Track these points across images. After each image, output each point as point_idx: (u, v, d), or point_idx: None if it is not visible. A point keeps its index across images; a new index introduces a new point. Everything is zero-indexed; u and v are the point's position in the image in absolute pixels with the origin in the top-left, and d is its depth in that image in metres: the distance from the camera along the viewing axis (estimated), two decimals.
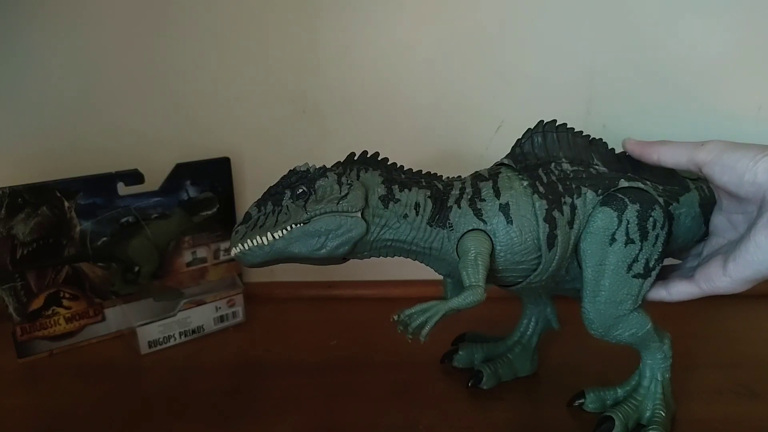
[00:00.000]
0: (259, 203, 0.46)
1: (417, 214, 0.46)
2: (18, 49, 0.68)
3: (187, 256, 0.69)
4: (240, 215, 0.72)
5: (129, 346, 0.64)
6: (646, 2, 0.65)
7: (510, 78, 0.68)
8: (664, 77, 0.67)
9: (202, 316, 0.66)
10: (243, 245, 0.45)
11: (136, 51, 0.68)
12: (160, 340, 0.64)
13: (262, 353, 0.63)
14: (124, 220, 0.64)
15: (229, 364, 0.61)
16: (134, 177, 0.64)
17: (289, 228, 0.44)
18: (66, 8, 0.67)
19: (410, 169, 0.49)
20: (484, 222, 0.46)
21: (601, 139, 0.50)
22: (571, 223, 0.46)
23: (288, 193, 0.46)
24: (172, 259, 0.68)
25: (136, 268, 0.66)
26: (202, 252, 0.69)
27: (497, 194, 0.47)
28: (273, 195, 0.46)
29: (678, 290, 0.47)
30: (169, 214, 0.66)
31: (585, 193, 0.47)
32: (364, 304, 0.72)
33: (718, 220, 0.47)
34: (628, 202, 0.46)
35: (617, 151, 0.50)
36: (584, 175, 0.48)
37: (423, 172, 0.49)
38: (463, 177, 0.50)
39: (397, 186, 0.47)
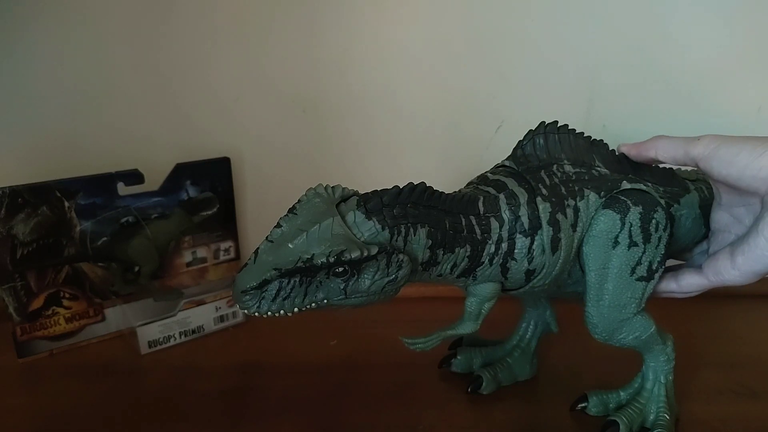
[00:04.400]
0: (283, 274, 0.38)
1: (450, 272, 0.44)
2: (18, 50, 0.68)
3: (187, 256, 0.69)
4: (240, 215, 0.72)
5: (129, 346, 0.64)
6: (646, 2, 0.65)
7: (510, 78, 0.68)
8: (663, 77, 0.67)
9: (202, 316, 0.66)
10: (259, 313, 0.39)
11: (136, 51, 0.68)
12: (160, 340, 0.64)
13: (262, 353, 0.63)
14: (124, 220, 0.64)
15: (229, 364, 0.61)
16: (134, 177, 0.63)
17: (322, 303, 0.40)
18: (66, 9, 0.67)
19: (451, 198, 0.43)
20: (507, 279, 0.46)
21: (602, 141, 0.50)
22: (574, 226, 0.46)
23: (324, 271, 0.39)
24: (172, 259, 0.68)
25: (136, 268, 0.66)
26: (202, 252, 0.69)
27: (529, 250, 0.45)
28: (303, 270, 0.38)
29: (688, 282, 0.46)
30: (169, 214, 0.66)
31: (588, 196, 0.46)
32: None
33: (719, 216, 0.47)
34: (630, 205, 0.46)
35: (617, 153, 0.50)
36: (586, 177, 0.47)
37: (464, 198, 0.44)
38: (502, 208, 0.45)
39: (441, 250, 0.42)
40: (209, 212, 0.68)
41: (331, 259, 0.38)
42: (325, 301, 0.40)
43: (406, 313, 0.63)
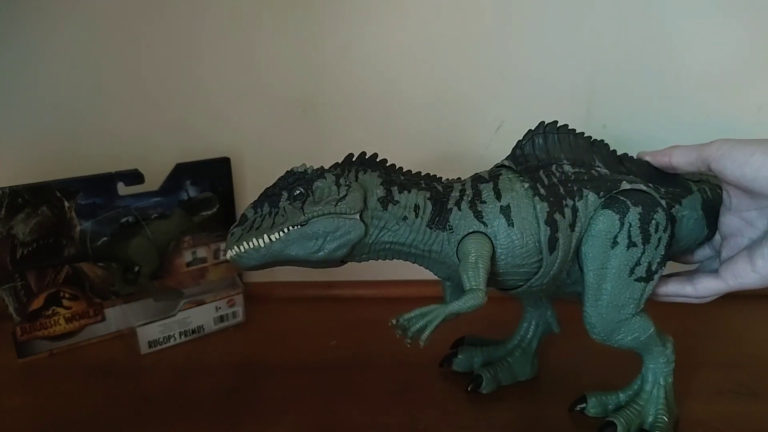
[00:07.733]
0: (256, 205, 0.45)
1: (416, 216, 0.46)
2: (18, 50, 0.68)
3: (187, 256, 0.69)
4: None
5: (129, 346, 0.64)
6: (646, 3, 0.65)
7: (510, 78, 0.68)
8: (664, 77, 0.67)
9: (202, 316, 0.66)
10: (239, 248, 0.44)
11: (136, 51, 0.68)
12: (160, 340, 0.64)
13: (262, 353, 0.63)
14: (124, 220, 0.64)
15: (229, 364, 0.61)
16: (134, 177, 0.63)
17: (286, 230, 0.44)
18: (66, 10, 0.67)
19: (409, 171, 0.49)
20: (485, 224, 0.46)
21: (602, 141, 0.50)
22: (572, 226, 0.46)
23: (285, 194, 0.45)
24: (172, 259, 0.68)
25: (136, 268, 0.66)
26: (202, 252, 0.69)
27: (498, 196, 0.46)
28: (270, 196, 0.45)
29: (705, 286, 0.46)
30: (169, 214, 0.66)
31: (587, 196, 0.46)
32: (364, 304, 0.72)
33: (729, 220, 0.47)
34: (630, 205, 0.46)
35: (619, 153, 0.50)
36: (586, 177, 0.47)
37: (422, 174, 0.49)
38: (463, 179, 0.49)
39: (396, 188, 0.46)
40: (209, 212, 0.68)
41: (288, 180, 0.45)
42: (290, 227, 0.43)
43: None
